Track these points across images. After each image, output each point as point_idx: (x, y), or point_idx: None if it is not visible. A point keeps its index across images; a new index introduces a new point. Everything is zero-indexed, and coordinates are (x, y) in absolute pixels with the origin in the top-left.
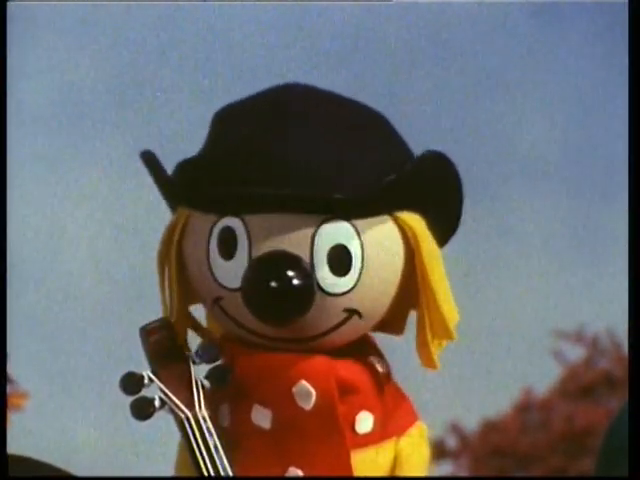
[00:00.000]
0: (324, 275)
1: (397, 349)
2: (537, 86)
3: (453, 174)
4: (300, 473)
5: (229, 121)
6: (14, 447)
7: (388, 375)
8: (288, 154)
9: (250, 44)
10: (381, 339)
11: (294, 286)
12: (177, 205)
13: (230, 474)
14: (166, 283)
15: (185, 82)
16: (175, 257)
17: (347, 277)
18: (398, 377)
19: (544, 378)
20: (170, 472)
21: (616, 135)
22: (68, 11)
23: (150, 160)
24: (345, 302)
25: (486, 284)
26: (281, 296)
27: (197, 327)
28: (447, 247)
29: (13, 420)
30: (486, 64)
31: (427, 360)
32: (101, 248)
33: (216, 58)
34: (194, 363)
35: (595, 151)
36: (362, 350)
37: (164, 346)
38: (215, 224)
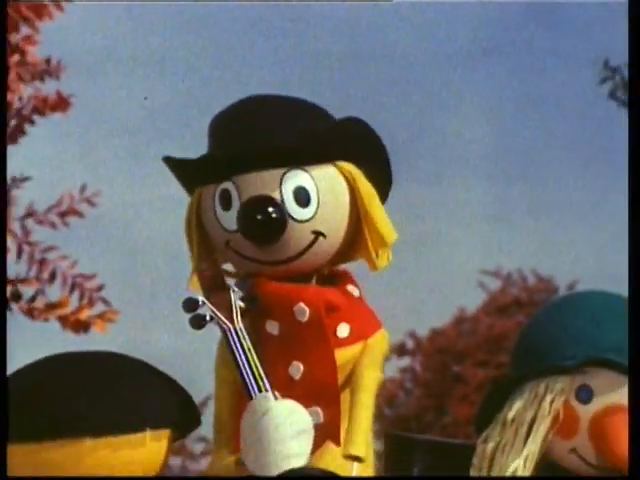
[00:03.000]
0: (292, 207)
1: (373, 283)
2: (536, 85)
3: (371, 131)
4: (300, 365)
5: (216, 124)
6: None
7: (360, 298)
8: (257, 135)
9: (248, 44)
10: (358, 276)
11: (272, 217)
12: (192, 189)
13: (260, 369)
14: (193, 245)
15: (186, 87)
16: (196, 226)
17: (309, 208)
18: (374, 301)
19: (473, 301)
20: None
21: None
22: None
23: (170, 162)
24: (311, 226)
25: (437, 238)
26: (265, 224)
27: (227, 273)
28: (414, 215)
29: (109, 331)
30: (484, 63)
31: (371, 264)
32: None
33: (220, 60)
34: (233, 292)
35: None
36: (343, 282)
37: (213, 280)
38: (216, 189)
